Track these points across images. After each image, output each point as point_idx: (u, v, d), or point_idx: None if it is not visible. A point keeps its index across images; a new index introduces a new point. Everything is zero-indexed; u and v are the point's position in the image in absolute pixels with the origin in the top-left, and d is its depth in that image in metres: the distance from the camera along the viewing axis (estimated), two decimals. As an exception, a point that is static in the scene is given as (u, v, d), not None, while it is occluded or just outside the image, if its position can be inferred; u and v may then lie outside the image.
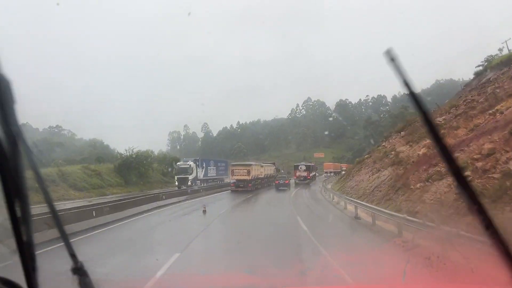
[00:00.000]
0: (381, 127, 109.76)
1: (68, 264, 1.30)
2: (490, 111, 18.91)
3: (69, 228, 12.04)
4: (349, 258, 7.22)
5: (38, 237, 7.56)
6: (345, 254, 8.20)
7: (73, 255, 1.34)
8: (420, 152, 22.06)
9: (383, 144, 34.64)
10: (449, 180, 13.88)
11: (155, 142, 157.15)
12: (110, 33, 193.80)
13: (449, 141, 20.27)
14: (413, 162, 21.00)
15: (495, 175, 12.17)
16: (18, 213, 1.05)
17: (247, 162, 40.41)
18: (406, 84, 1.26)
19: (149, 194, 25.83)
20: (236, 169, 37.33)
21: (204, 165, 47.98)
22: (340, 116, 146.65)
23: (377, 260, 6.93)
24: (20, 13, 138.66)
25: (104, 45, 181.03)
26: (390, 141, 33.21)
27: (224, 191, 37.90)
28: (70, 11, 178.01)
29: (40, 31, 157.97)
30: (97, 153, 55.78)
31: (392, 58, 1.24)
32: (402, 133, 32.30)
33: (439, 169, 16.85)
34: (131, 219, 16.10)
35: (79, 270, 1.33)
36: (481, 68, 35.19)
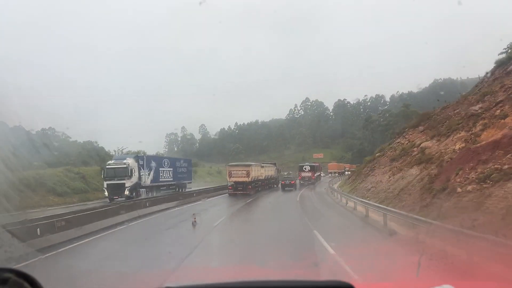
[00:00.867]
0: (381, 126, 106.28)
1: None
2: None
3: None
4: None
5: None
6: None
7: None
8: (456, 147, 17.95)
9: (397, 141, 30.57)
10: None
11: (153, 144, 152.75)
12: (108, 34, 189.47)
13: (497, 131, 16.23)
14: (450, 159, 16.86)
15: None
16: None
17: (246, 163, 36.20)
18: None
19: (132, 201, 21.57)
20: (234, 170, 33.10)
21: (152, 165, 31.36)
22: (338, 116, 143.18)
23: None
24: (18, 12, 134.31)
25: (100, 47, 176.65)
26: (406, 137, 29.17)
27: (221, 194, 33.65)
28: (67, 9, 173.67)
29: (38, 30, 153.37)
30: (88, 155, 51.38)
31: None
32: (421, 127, 28.28)
33: (498, 166, 12.75)
34: (91, 238, 11.66)
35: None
36: (504, 55, 31.31)
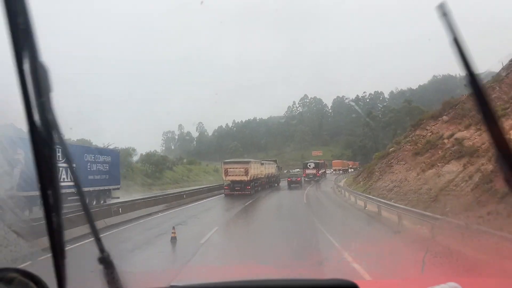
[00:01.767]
0: (382, 123, 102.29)
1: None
2: None
3: None
4: None
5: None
6: None
7: (100, 246, 1.26)
8: (513, 136, 13.75)
9: (416, 133, 26.40)
10: None
11: (150, 143, 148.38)
12: (103, 34, 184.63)
13: None
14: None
15: None
16: (51, 205, 1.04)
17: (244, 159, 31.92)
18: (457, 43, 1.06)
19: (103, 206, 17.22)
20: (230, 168, 28.85)
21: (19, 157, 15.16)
22: (337, 113, 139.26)
23: None
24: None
25: (96, 45, 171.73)
26: (428, 128, 25.01)
27: (216, 195, 29.41)
28: (63, 8, 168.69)
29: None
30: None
31: (444, 13, 1.05)
32: (445, 117, 24.13)
33: None
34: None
35: (105, 260, 1.26)
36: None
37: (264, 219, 15.93)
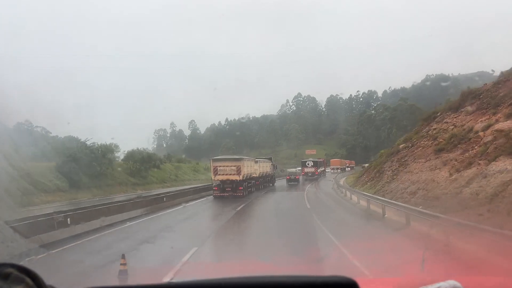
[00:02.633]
0: (377, 121, 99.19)
1: None
2: None
3: None
4: None
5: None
6: None
7: None
8: None
9: (432, 128, 22.72)
10: None
11: (141, 140, 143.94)
12: (94, 29, 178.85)
13: None
14: None
15: None
16: None
17: (235, 156, 27.86)
18: None
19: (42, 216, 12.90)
20: (220, 166, 24.82)
21: None
22: (331, 112, 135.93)
23: None
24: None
25: (86, 40, 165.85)
26: (448, 121, 21.36)
27: (203, 197, 25.39)
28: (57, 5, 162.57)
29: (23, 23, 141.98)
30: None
31: None
32: (468, 107, 20.54)
33: None
34: None
35: None
36: None
37: (261, 233, 11.93)
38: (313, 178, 43.49)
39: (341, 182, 33.55)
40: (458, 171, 14.38)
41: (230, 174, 24.36)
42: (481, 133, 15.77)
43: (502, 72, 22.94)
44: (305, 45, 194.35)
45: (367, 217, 14.78)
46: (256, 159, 31.65)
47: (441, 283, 1.54)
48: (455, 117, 21.11)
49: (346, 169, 62.28)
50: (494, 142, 13.91)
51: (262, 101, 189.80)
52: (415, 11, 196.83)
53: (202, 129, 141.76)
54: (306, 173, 44.38)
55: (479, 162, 13.53)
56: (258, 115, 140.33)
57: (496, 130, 14.61)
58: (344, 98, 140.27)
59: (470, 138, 16.23)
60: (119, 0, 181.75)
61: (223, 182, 24.60)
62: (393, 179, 20.80)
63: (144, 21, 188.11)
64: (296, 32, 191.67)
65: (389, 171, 23.01)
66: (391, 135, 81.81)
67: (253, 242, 10.69)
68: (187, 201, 21.88)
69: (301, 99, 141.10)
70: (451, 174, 14.53)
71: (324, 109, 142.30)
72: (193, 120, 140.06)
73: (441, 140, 19.55)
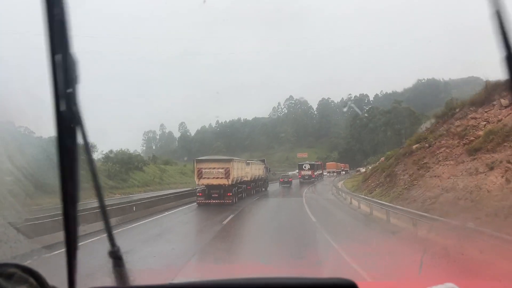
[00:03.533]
0: (371, 123, 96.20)
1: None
2: None
3: None
4: None
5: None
6: None
7: (112, 241, 1.28)
8: None
9: (455, 124, 19.10)
10: None
11: (129, 142, 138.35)
12: (83, 30, 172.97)
13: None
14: None
15: None
16: (69, 197, 1.00)
17: (224, 157, 23.77)
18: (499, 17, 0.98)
19: None
20: (206, 168, 20.74)
21: None
22: (322, 115, 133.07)
23: None
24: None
25: (75, 39, 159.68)
26: (477, 117, 17.75)
27: (186, 204, 21.29)
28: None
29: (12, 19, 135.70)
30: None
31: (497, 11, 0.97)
32: (503, 100, 17.08)
33: None
34: None
35: (115, 254, 1.27)
36: None
37: (257, 267, 7.96)
38: (309, 181, 42.34)
39: (339, 185, 30.03)
40: (517, 176, 10.66)
41: (217, 178, 20.35)
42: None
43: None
44: (297, 49, 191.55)
45: (398, 237, 10.88)
46: (248, 161, 27.67)
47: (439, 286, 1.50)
48: (486, 112, 17.55)
49: (341, 172, 59.46)
50: None
51: (253, 103, 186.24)
52: (407, 17, 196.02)
53: (193, 131, 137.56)
54: (303, 176, 43.34)
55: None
56: (250, 117, 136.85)
57: None
58: (335, 101, 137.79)
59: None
60: (104, 1, 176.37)
61: (208, 187, 20.57)
62: (413, 184, 17.03)
63: (135, 23, 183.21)
64: (289, 35, 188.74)
65: (404, 175, 19.26)
66: (386, 138, 79.06)
67: None
68: (163, 210, 17.73)
69: (292, 102, 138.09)
70: (508, 181, 10.79)
71: (315, 112, 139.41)
72: (183, 122, 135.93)
73: (472, 138, 15.94)
